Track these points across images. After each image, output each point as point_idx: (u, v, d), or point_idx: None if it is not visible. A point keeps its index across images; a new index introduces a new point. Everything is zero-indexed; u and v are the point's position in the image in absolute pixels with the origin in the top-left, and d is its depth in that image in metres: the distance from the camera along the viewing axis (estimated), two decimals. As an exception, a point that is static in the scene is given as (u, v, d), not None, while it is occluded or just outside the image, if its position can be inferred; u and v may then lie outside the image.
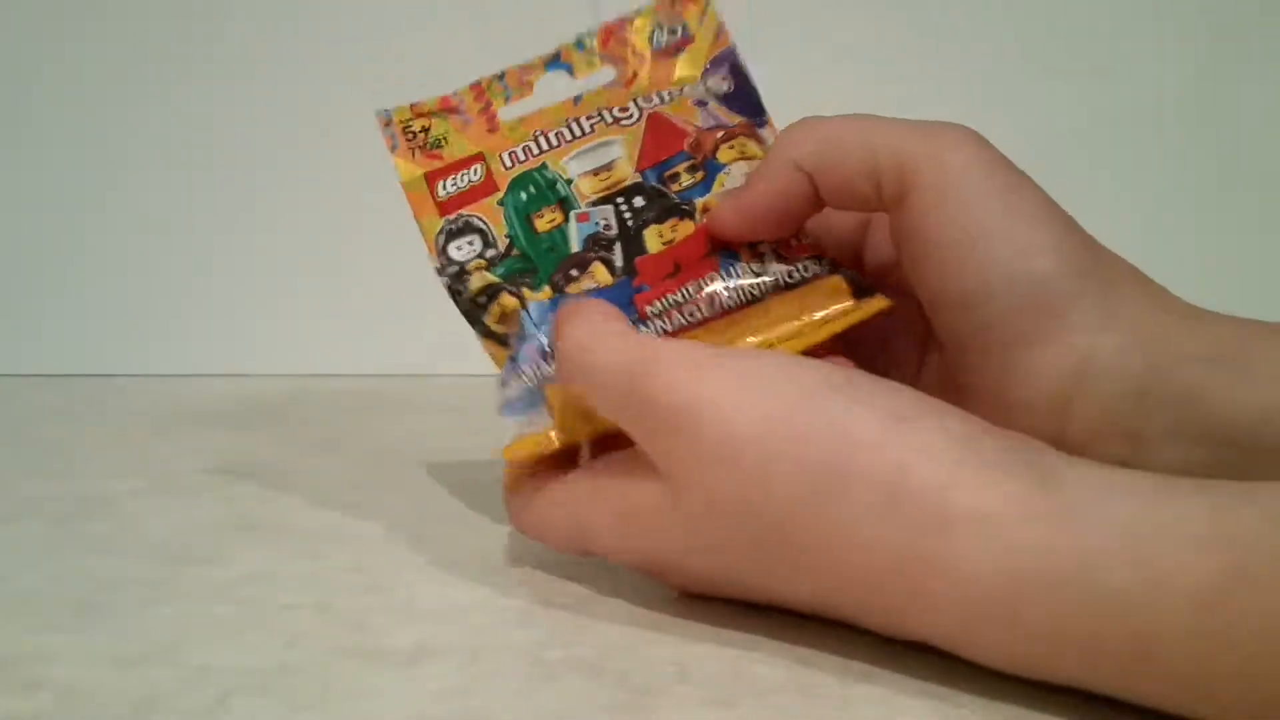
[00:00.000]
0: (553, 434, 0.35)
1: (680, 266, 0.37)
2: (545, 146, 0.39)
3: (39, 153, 0.67)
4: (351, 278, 0.66)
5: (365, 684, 0.29)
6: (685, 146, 0.38)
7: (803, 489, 0.29)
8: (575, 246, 0.37)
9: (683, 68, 0.40)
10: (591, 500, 0.33)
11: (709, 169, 0.38)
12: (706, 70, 0.39)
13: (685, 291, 0.36)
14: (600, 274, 0.37)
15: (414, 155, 0.39)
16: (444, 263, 0.38)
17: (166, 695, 0.28)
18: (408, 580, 0.36)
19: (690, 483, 0.31)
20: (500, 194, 0.38)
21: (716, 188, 0.38)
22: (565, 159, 0.39)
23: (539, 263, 0.37)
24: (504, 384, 0.36)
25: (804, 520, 0.29)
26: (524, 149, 0.39)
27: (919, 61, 0.67)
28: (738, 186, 0.37)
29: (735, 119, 0.39)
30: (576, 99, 0.40)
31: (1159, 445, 0.32)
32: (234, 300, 0.67)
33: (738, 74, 0.39)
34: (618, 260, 0.37)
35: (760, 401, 0.30)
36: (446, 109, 0.40)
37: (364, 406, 0.60)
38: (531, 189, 0.38)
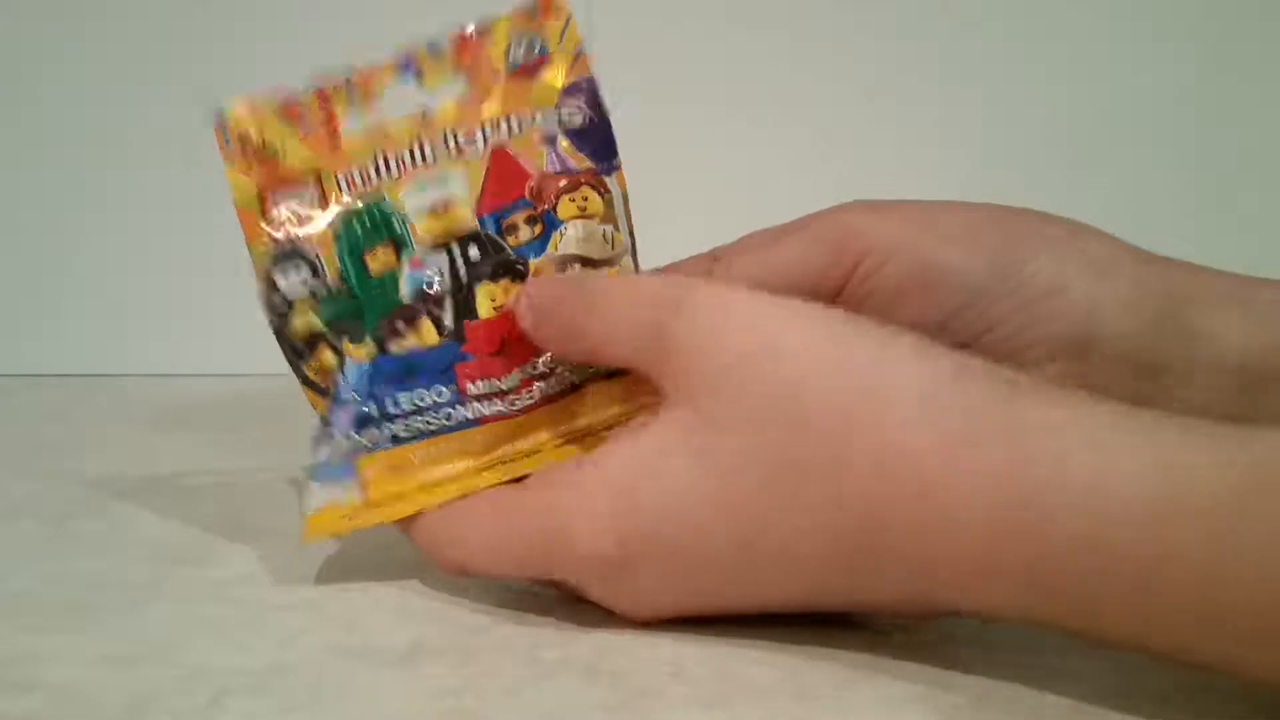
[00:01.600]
0: (361, 509, 0.35)
1: (506, 344, 0.36)
2: (384, 173, 0.37)
3: (38, 153, 0.66)
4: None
5: (359, 684, 0.29)
6: (525, 193, 0.37)
7: (848, 384, 0.29)
8: (405, 294, 0.36)
9: (538, 92, 0.37)
10: (573, 493, 0.32)
11: (547, 223, 0.37)
12: (561, 96, 0.37)
13: (511, 378, 0.36)
14: (427, 332, 0.36)
15: (250, 168, 0.37)
16: (270, 293, 0.36)
17: (160, 695, 0.28)
18: (402, 580, 0.36)
19: (728, 390, 0.30)
20: (333, 221, 0.37)
21: (551, 248, 0.36)
22: (404, 191, 0.37)
23: (366, 307, 0.36)
24: (316, 445, 0.36)
25: (844, 423, 0.29)
26: (361, 173, 0.37)
27: (917, 62, 0.66)
28: None
29: (583, 163, 0.37)
30: (425, 113, 0.37)
31: (1177, 382, 0.34)
32: (231, 300, 0.67)
33: (594, 106, 0.37)
34: (447, 319, 0.36)
35: (803, 314, 0.31)
36: (290, 114, 0.37)
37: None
38: (366, 221, 0.37)
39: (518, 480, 0.35)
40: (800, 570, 0.30)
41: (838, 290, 0.36)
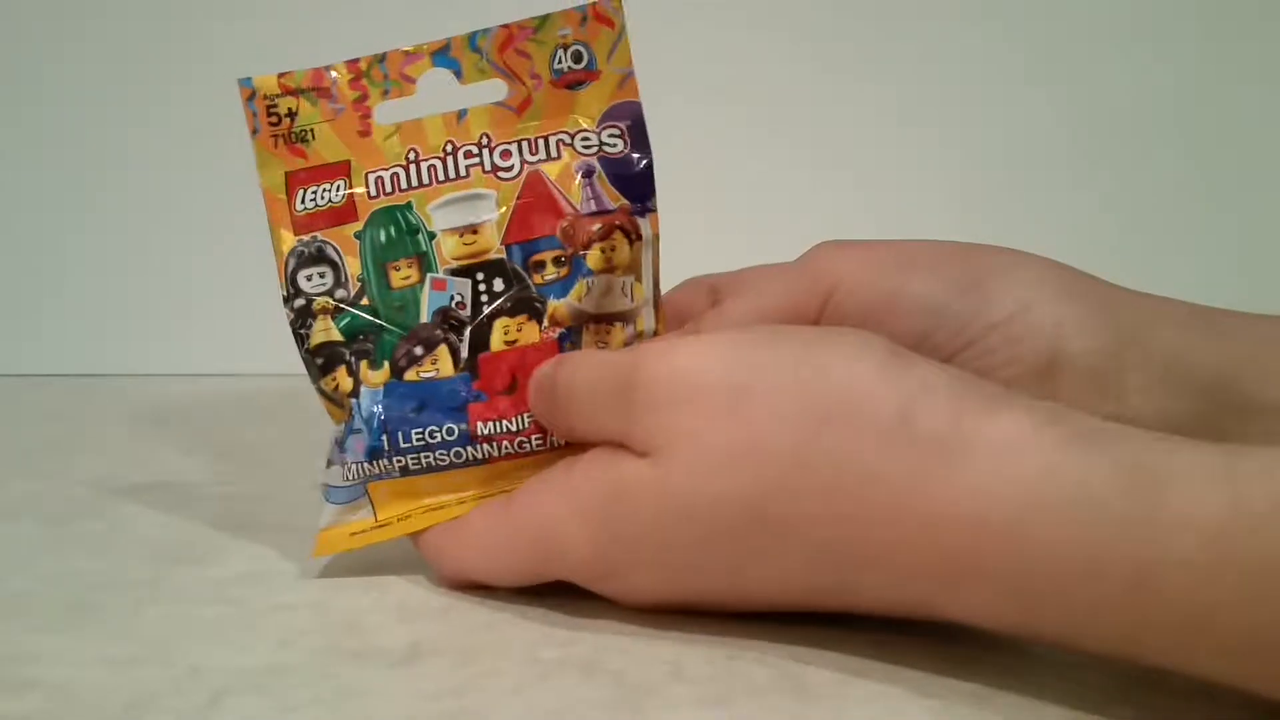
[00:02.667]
0: (371, 527, 0.35)
1: (517, 383, 0.36)
2: (416, 181, 0.36)
3: (37, 153, 0.66)
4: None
5: (359, 683, 0.29)
6: (558, 233, 0.36)
7: (812, 422, 0.29)
8: (425, 315, 0.36)
9: (580, 108, 0.36)
10: (563, 500, 0.32)
11: (575, 267, 0.36)
12: (603, 119, 0.36)
13: (520, 420, 0.35)
14: (444, 361, 0.36)
15: (276, 145, 0.37)
16: (292, 292, 0.36)
17: (159, 695, 0.28)
18: (401, 580, 0.36)
19: (693, 444, 0.30)
20: (359, 225, 0.36)
21: (573, 298, 0.36)
22: (432, 205, 0.36)
23: (386, 322, 0.36)
24: (328, 464, 0.37)
25: (812, 458, 0.29)
26: (392, 177, 0.36)
27: (914, 63, 0.66)
28: None
29: (618, 200, 0.36)
30: (461, 114, 0.37)
31: (1140, 401, 0.34)
32: (231, 300, 0.67)
33: (635, 134, 0.36)
34: (464, 350, 0.36)
35: (763, 354, 0.31)
36: (318, 88, 0.37)
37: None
38: (392, 231, 0.36)
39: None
40: (787, 580, 0.31)
41: (816, 320, 0.37)
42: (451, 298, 0.36)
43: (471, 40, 0.37)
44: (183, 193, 0.67)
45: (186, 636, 0.32)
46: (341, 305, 0.36)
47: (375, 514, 0.36)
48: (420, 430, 0.36)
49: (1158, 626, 0.26)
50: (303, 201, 0.37)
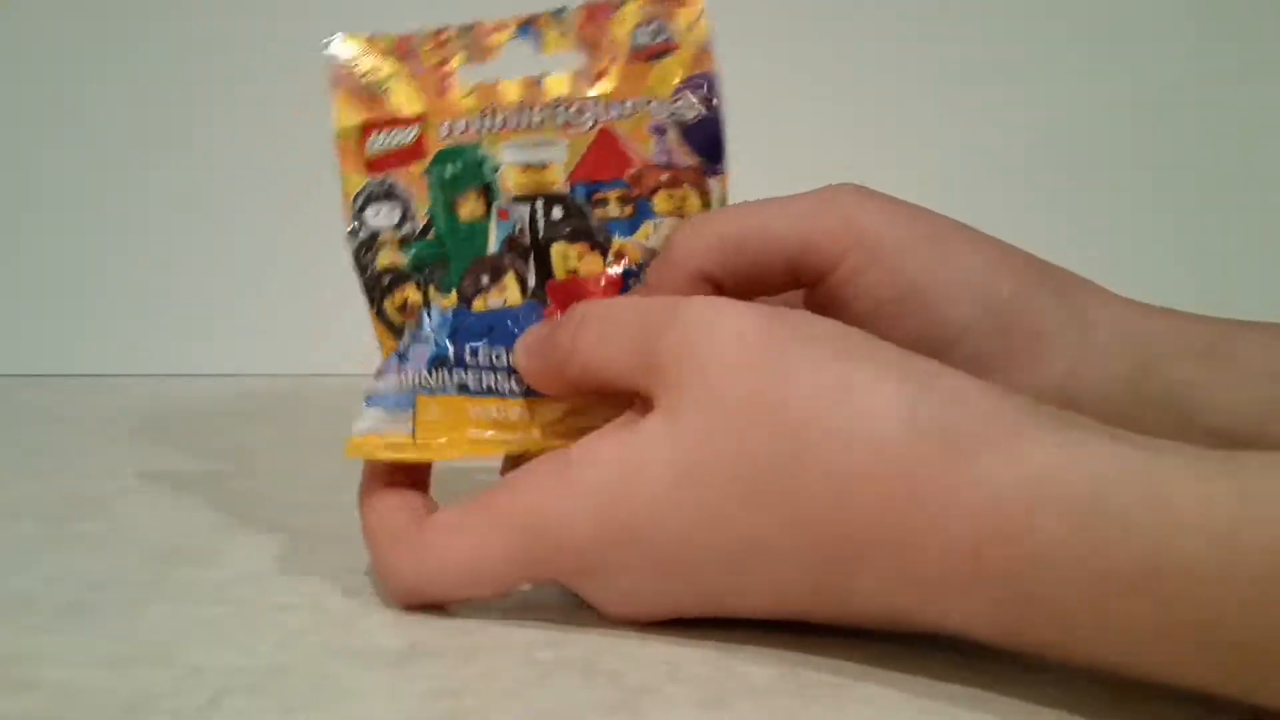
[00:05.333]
0: (407, 443, 0.35)
1: None
2: (490, 127, 0.37)
3: (36, 152, 0.66)
4: (348, 277, 0.66)
5: (357, 684, 0.29)
6: (625, 176, 0.37)
7: (826, 393, 0.29)
8: (493, 245, 0.36)
9: (656, 78, 0.37)
10: (561, 487, 0.31)
11: (640, 209, 0.36)
12: (679, 89, 0.37)
13: None
14: (512, 289, 0.36)
15: (354, 98, 0.37)
16: (358, 225, 0.37)
17: (159, 695, 0.28)
18: (401, 580, 0.36)
19: (710, 393, 0.30)
20: (425, 162, 0.37)
21: (640, 236, 0.36)
22: (502, 144, 0.37)
23: (453, 255, 0.36)
24: (380, 374, 0.36)
25: (817, 437, 0.29)
26: (467, 123, 0.37)
27: (910, 61, 0.66)
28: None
29: (689, 159, 0.37)
30: (539, 79, 0.37)
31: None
32: (231, 300, 0.67)
33: (710, 104, 0.37)
34: (531, 278, 0.36)
35: (792, 324, 0.30)
36: (402, 51, 0.37)
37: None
38: (459, 164, 0.37)
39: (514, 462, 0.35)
40: (780, 583, 0.30)
41: (816, 280, 0.35)
42: (515, 224, 0.36)
43: (555, 14, 0.38)
44: (184, 193, 0.67)
45: (186, 637, 0.32)
46: (407, 239, 0.36)
47: (415, 432, 0.36)
48: (488, 349, 0.36)
49: (1160, 633, 0.26)
50: (374, 144, 0.37)
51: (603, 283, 0.36)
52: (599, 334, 0.33)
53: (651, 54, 0.37)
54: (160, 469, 0.48)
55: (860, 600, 0.29)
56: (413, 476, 0.35)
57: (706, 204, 0.37)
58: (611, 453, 0.31)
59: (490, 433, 0.36)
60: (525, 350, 0.35)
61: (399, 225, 0.36)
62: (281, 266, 0.67)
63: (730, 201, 0.37)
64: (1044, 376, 0.34)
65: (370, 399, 0.36)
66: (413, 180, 0.37)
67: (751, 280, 0.35)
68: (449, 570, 0.33)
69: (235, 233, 0.67)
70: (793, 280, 0.35)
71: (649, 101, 0.37)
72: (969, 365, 0.33)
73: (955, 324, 0.34)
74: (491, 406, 0.35)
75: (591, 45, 0.37)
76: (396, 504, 0.34)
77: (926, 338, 0.34)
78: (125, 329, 0.67)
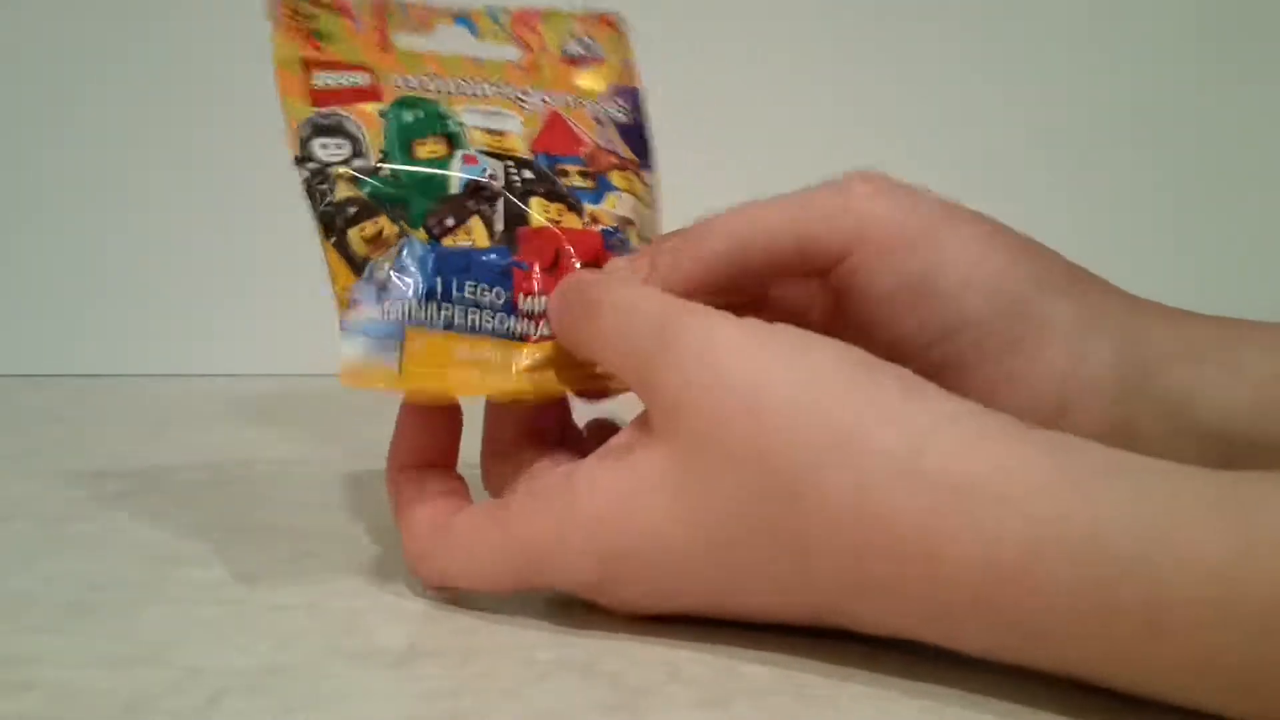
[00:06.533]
0: (394, 375, 0.34)
1: (561, 257, 0.35)
2: (446, 90, 0.36)
3: (35, 152, 0.66)
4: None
5: (356, 685, 0.29)
6: (580, 154, 0.37)
7: (826, 441, 0.29)
8: (455, 188, 0.35)
9: (585, 82, 0.38)
10: (565, 514, 0.32)
11: (601, 183, 0.36)
12: (607, 93, 0.38)
13: None
14: (478, 232, 0.35)
15: (294, 35, 0.36)
16: (303, 157, 0.35)
17: (157, 696, 0.28)
18: (399, 581, 0.36)
19: (708, 435, 0.30)
20: (384, 105, 0.36)
21: (608, 205, 0.36)
22: (461, 107, 0.36)
23: (409, 195, 0.35)
24: (354, 302, 0.34)
25: (820, 480, 0.28)
26: (420, 81, 0.36)
27: (910, 61, 0.66)
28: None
29: (628, 154, 0.37)
30: (478, 60, 0.37)
31: (1153, 443, 0.32)
32: (231, 300, 0.67)
33: (637, 112, 0.38)
34: (499, 223, 0.35)
35: (788, 358, 0.30)
36: (340, 8, 0.37)
37: (356, 406, 0.60)
38: (421, 113, 0.36)
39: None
40: (781, 602, 0.30)
41: (827, 270, 0.34)
42: (484, 170, 0.36)
43: (489, 10, 0.38)
44: (184, 192, 0.67)
45: (185, 637, 0.32)
46: (359, 174, 0.35)
47: (403, 362, 0.34)
48: (472, 285, 0.34)
49: (1166, 665, 0.26)
50: (320, 80, 0.36)
51: (585, 234, 0.36)
52: (614, 327, 0.33)
53: (580, 62, 0.38)
54: (160, 469, 0.48)
55: (862, 623, 0.30)
56: (441, 445, 0.36)
57: (648, 194, 0.37)
58: (612, 483, 0.31)
59: (476, 374, 0.35)
60: (560, 293, 0.35)
61: (349, 160, 0.35)
62: (281, 266, 0.66)
63: (660, 197, 0.38)
64: (1045, 369, 0.33)
65: (349, 328, 0.34)
66: (366, 118, 0.35)
67: (760, 275, 0.35)
68: (472, 573, 0.33)
69: (234, 233, 0.67)
70: (803, 271, 0.35)
71: (582, 101, 0.38)
72: (972, 353, 0.33)
73: (962, 314, 0.34)
74: (480, 346, 0.35)
75: (524, 43, 0.38)
76: (436, 489, 0.35)
77: (933, 325, 0.34)
78: (125, 329, 0.67)
